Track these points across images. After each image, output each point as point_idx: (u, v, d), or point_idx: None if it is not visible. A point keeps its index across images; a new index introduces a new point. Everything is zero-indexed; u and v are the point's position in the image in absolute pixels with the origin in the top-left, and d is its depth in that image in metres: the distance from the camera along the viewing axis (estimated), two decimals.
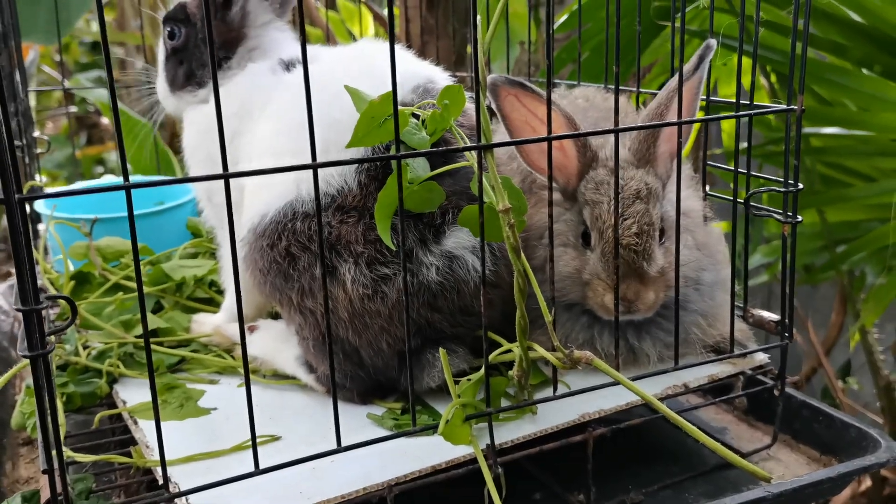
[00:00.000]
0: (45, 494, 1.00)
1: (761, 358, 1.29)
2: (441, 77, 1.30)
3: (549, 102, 1.03)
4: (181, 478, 1.03)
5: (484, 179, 0.99)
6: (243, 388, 0.95)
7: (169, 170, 2.84)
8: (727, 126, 2.61)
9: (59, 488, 0.87)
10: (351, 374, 1.21)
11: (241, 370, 0.94)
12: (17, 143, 1.73)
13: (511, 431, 1.11)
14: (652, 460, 1.27)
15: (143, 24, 2.60)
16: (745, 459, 1.13)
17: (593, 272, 1.20)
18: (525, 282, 1.02)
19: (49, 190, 2.17)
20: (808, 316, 2.89)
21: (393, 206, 1.04)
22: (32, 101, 2.45)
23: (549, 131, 1.03)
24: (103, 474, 1.17)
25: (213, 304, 1.60)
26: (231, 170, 0.87)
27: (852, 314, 2.51)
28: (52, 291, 1.59)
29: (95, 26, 4.82)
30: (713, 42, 1.21)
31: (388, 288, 1.14)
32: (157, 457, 0.94)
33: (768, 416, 1.35)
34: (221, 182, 0.87)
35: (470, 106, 1.16)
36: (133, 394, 1.30)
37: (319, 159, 0.91)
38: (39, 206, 1.86)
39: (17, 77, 1.91)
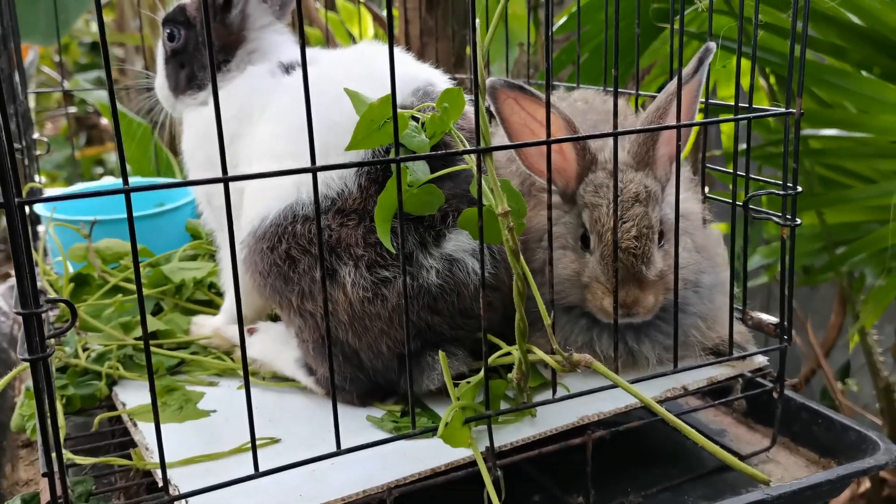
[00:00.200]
0: (45, 497, 1.00)
1: (760, 360, 1.29)
2: (441, 80, 1.30)
3: (548, 106, 1.03)
4: (181, 480, 1.03)
5: (483, 182, 0.99)
6: (243, 391, 0.95)
7: (168, 170, 2.83)
8: (726, 128, 2.62)
9: (58, 491, 0.87)
10: (350, 377, 1.21)
11: (241, 372, 0.95)
12: (16, 145, 1.73)
13: (510, 434, 1.11)
14: (651, 463, 1.27)
15: (142, 25, 2.60)
16: (744, 462, 1.13)
17: (592, 275, 1.20)
18: (524, 285, 1.02)
19: (49, 191, 2.17)
20: (807, 317, 2.89)
21: (393, 209, 1.04)
22: (32, 103, 2.45)
23: (549, 135, 1.03)
24: (103, 476, 1.17)
25: (212, 306, 1.60)
26: (230, 172, 0.88)
27: (851, 315, 2.51)
28: (52, 293, 1.59)
29: (95, 27, 4.82)
30: (713, 45, 1.21)
31: (388, 291, 1.14)
32: (156, 459, 0.94)
33: (767, 419, 1.35)
34: (221, 185, 0.87)
35: (469, 109, 1.16)
36: (132, 396, 1.30)
37: (319, 162, 0.91)
38: (39, 207, 1.86)
39: (17, 78, 1.91)
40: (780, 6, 1.95)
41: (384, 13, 2.89)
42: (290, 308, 1.20)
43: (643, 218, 1.17)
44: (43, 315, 0.80)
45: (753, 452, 1.29)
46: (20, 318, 0.80)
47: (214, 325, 1.46)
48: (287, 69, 1.35)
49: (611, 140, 1.09)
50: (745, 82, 1.22)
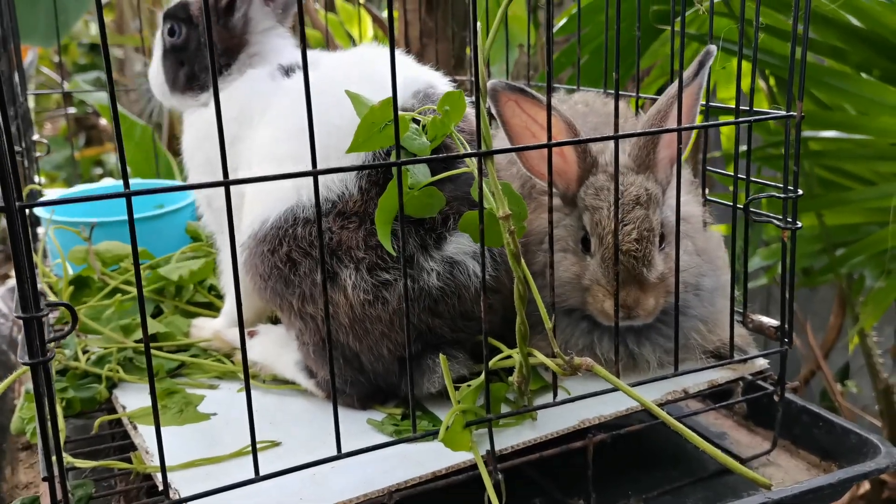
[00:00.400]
0: (46, 500, 1.00)
1: (761, 363, 1.29)
2: (441, 82, 1.30)
3: (549, 108, 1.03)
4: (181, 484, 1.03)
5: (484, 185, 0.99)
6: (243, 393, 0.94)
7: (168, 172, 2.83)
8: (726, 129, 2.62)
9: (59, 495, 0.87)
10: (351, 380, 1.21)
11: (241, 375, 0.94)
12: (16, 147, 1.72)
13: (511, 437, 1.11)
14: (652, 466, 1.27)
15: (142, 25, 2.60)
16: (744, 465, 1.13)
17: (593, 278, 1.20)
18: (525, 288, 1.02)
19: (48, 192, 2.17)
20: (806, 319, 2.89)
21: (393, 212, 1.04)
22: (31, 104, 2.45)
23: (549, 137, 1.03)
24: (103, 480, 1.17)
25: (212, 308, 1.60)
26: (230, 175, 0.88)
27: (851, 317, 2.51)
28: (52, 296, 1.59)
29: (94, 28, 4.82)
30: (713, 48, 1.20)
31: (388, 293, 1.14)
32: (156, 462, 0.94)
33: (768, 422, 1.35)
34: (221, 188, 0.87)
35: (470, 111, 1.16)
36: (132, 399, 1.30)
37: (320, 165, 0.91)
38: (39, 209, 1.86)
39: (17, 80, 1.91)
40: (780, 8, 1.95)
41: (384, 15, 2.89)
42: (291, 311, 1.20)
43: (644, 221, 1.17)
44: (43, 319, 0.80)
45: (754, 456, 1.29)
46: (20, 321, 0.79)
47: (214, 328, 1.46)
48: (287, 72, 1.34)
49: (611, 143, 1.09)
50: (746, 84, 1.22)
